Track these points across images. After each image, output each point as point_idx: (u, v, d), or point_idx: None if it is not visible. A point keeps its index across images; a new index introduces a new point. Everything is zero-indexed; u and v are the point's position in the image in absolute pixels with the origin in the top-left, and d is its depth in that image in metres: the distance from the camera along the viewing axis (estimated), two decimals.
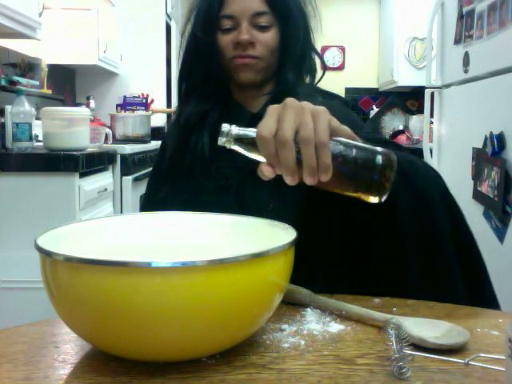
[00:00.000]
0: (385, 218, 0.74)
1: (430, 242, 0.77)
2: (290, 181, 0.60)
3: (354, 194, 0.63)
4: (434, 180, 0.81)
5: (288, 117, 0.59)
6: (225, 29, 0.94)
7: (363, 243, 0.80)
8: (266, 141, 0.59)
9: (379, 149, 0.62)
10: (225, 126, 0.63)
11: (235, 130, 0.63)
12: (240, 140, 0.63)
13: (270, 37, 0.94)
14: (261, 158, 0.62)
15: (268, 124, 0.60)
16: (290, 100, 0.61)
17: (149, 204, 1.05)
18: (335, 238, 0.82)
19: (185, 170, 0.96)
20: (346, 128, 0.64)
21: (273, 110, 0.61)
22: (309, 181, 0.60)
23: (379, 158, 0.61)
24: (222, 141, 0.64)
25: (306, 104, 0.61)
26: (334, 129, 0.61)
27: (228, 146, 0.64)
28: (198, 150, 0.95)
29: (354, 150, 0.61)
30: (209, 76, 0.98)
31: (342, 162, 0.61)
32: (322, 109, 0.61)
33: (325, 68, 1.04)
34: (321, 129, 0.59)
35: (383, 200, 0.63)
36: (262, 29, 0.94)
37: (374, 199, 0.63)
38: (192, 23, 0.99)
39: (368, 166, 0.61)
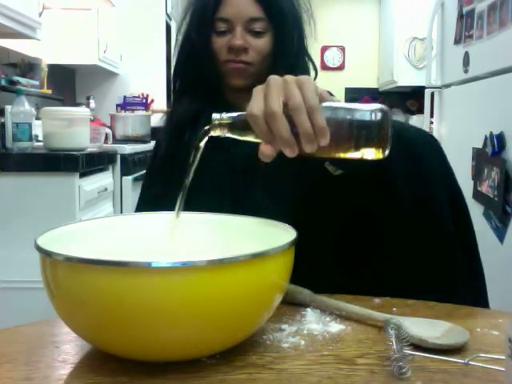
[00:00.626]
0: (381, 187, 0.76)
1: (428, 209, 0.78)
2: (289, 153, 0.60)
3: (357, 156, 0.62)
4: (433, 146, 0.82)
5: (273, 91, 0.59)
6: (219, 31, 0.94)
7: (363, 243, 0.80)
8: (256, 118, 0.59)
9: (371, 105, 0.62)
10: (215, 115, 0.64)
11: (226, 116, 0.63)
12: (233, 126, 0.63)
13: (263, 42, 0.94)
14: (257, 139, 0.62)
15: (256, 102, 0.60)
16: (272, 77, 0.61)
17: (143, 204, 1.04)
18: (335, 238, 0.82)
19: (178, 168, 0.96)
20: (333, 97, 0.64)
21: (258, 89, 0.62)
22: (308, 148, 0.59)
23: (374, 113, 0.60)
24: (215, 130, 0.64)
25: (289, 76, 0.61)
26: (321, 95, 0.61)
27: (222, 134, 0.64)
28: (191, 149, 0.95)
29: (348, 111, 0.61)
30: (202, 76, 0.98)
31: (338, 124, 0.60)
32: (305, 77, 0.61)
33: (316, 71, 1.04)
34: (308, 94, 0.59)
35: (387, 154, 0.61)
36: (256, 34, 0.93)
37: (377, 154, 0.62)
38: (187, 22, 0.99)
39: (365, 123, 0.60)
